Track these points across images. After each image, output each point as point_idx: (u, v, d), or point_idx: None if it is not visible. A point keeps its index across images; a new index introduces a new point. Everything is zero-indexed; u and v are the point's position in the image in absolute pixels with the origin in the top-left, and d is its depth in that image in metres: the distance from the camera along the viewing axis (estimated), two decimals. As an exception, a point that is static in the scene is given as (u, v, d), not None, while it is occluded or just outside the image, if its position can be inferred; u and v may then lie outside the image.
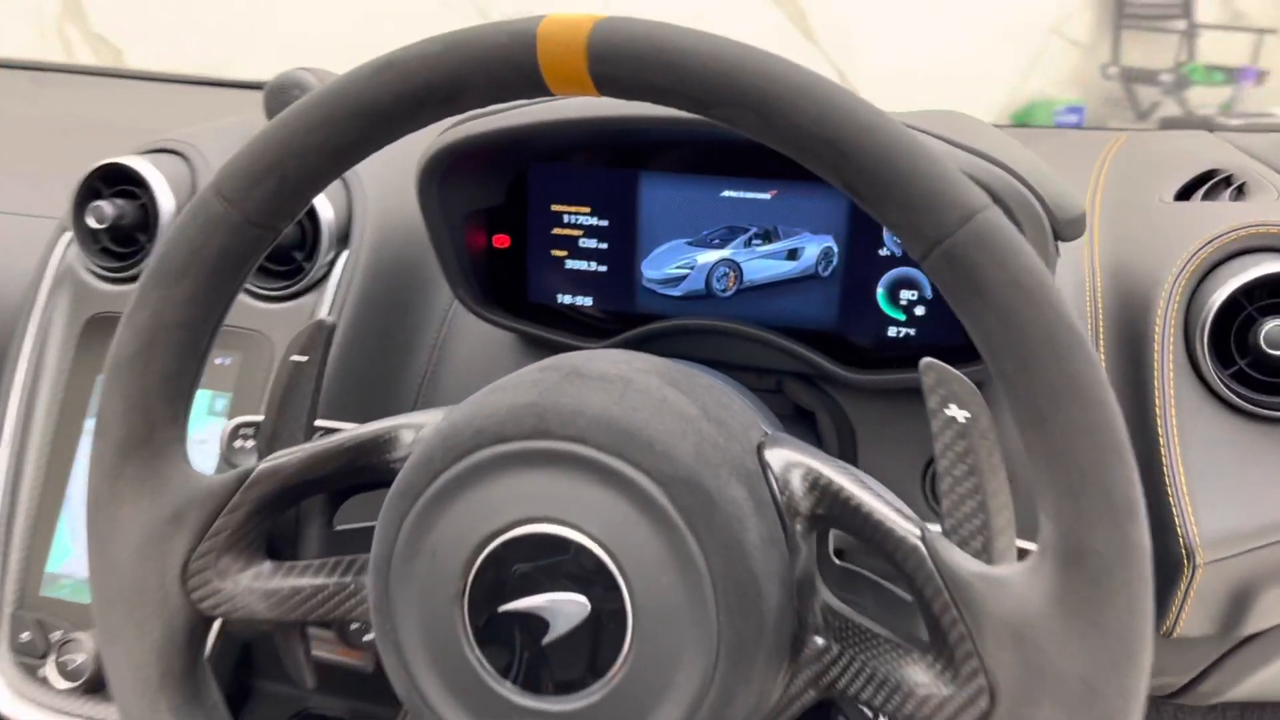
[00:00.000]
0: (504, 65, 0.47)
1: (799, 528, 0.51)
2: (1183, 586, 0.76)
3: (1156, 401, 0.81)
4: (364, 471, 0.59)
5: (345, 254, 0.98)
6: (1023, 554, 0.48)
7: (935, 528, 0.49)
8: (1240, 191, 0.96)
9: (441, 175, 0.83)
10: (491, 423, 0.51)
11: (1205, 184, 0.97)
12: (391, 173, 1.03)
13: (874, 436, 0.89)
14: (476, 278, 0.93)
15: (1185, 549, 0.74)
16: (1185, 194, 0.96)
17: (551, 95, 0.48)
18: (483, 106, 0.50)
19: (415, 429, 0.59)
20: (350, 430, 0.59)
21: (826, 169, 0.47)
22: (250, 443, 0.73)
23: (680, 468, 0.48)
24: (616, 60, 0.45)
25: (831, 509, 0.51)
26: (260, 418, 0.66)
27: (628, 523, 0.47)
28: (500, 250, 0.96)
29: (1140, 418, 0.82)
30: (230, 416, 0.93)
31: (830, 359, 0.85)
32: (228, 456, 0.73)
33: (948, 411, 0.50)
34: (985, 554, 0.47)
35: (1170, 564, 0.76)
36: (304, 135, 0.50)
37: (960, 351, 0.86)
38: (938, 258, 0.43)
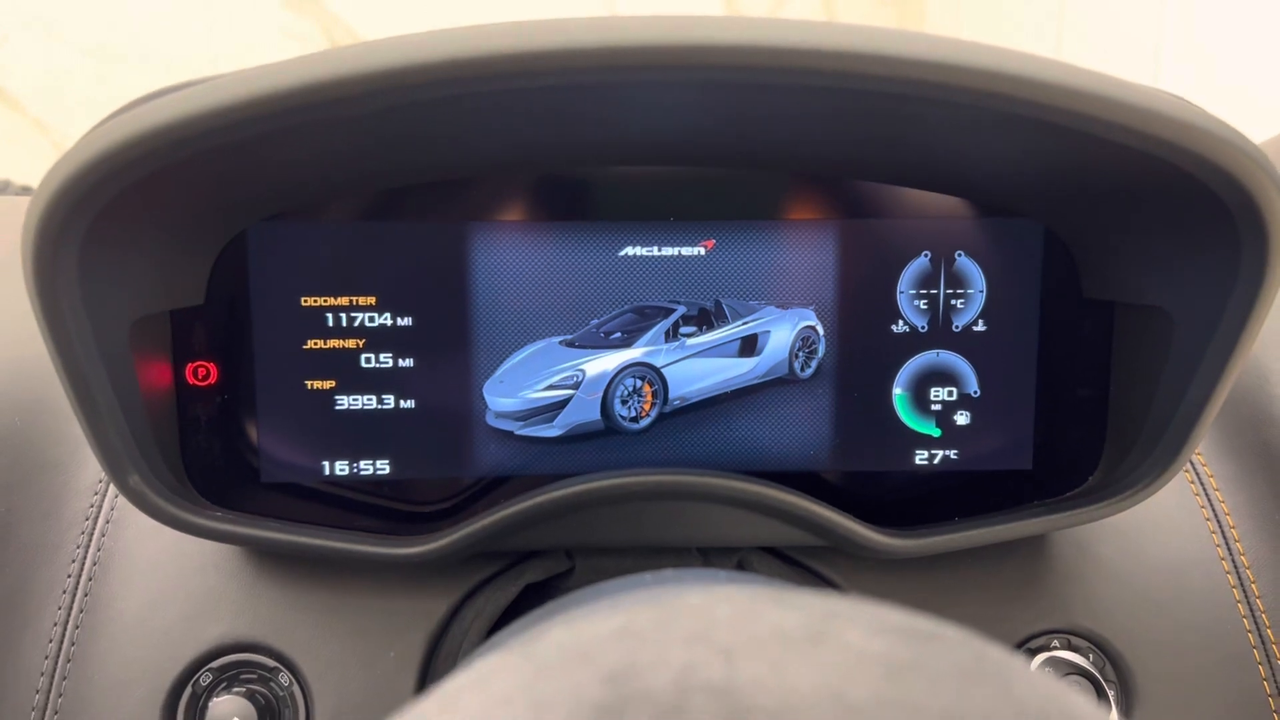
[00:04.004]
0: None
1: None
2: None
3: None
4: None
5: None
6: None
7: None
8: None
9: (81, 244, 0.38)
10: None
11: None
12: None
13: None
14: (158, 447, 0.47)
15: None
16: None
17: None
18: None
19: None
20: None
21: None
22: None
23: None
24: None
25: None
26: None
27: None
28: (201, 390, 0.50)
29: None
30: None
31: (837, 512, 0.49)
32: None
33: None
34: None
35: None
36: None
37: (1030, 481, 0.53)
38: None
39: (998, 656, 0.23)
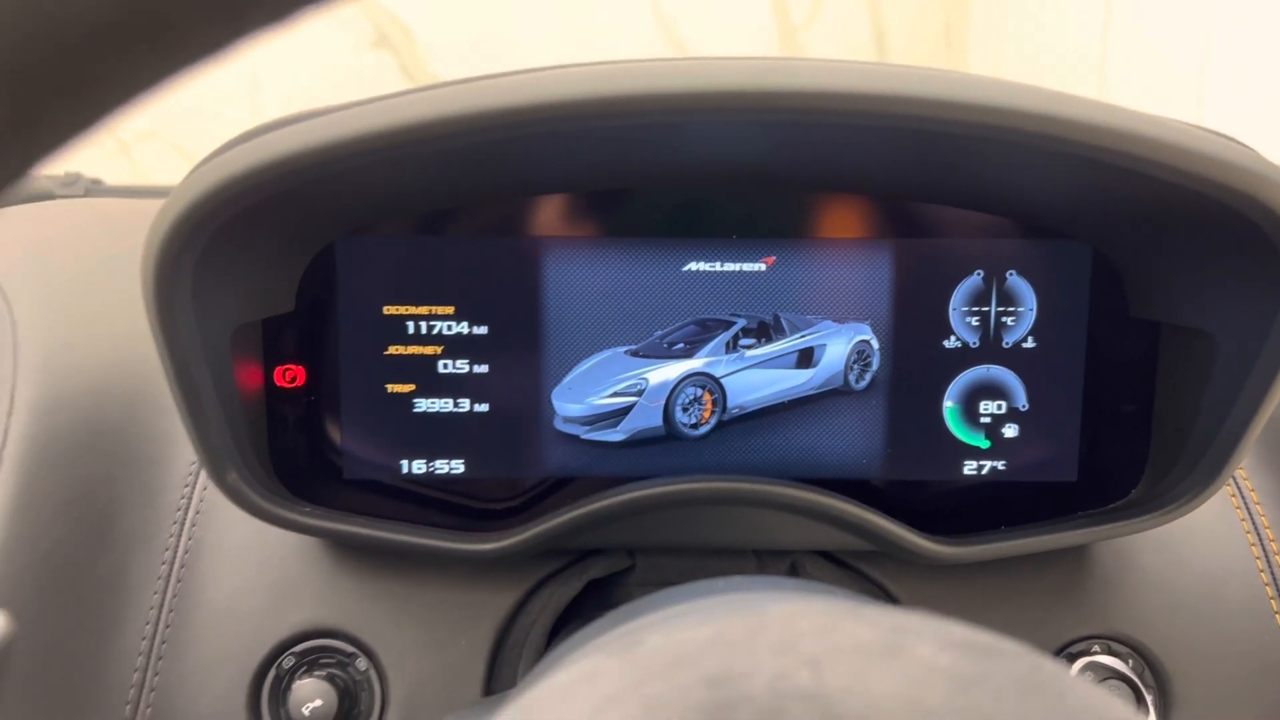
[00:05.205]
0: None
1: None
2: None
3: None
4: None
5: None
6: None
7: None
8: None
9: (196, 260, 0.41)
10: None
11: None
12: (67, 289, 0.59)
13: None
14: (252, 444, 0.51)
15: None
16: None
17: None
18: None
19: None
20: None
21: None
22: None
23: None
24: None
25: None
26: None
27: None
28: (289, 392, 0.54)
29: None
30: None
31: (889, 520, 0.51)
32: None
33: None
34: None
35: None
36: None
37: (1075, 492, 0.55)
38: None
39: (1051, 669, 0.25)
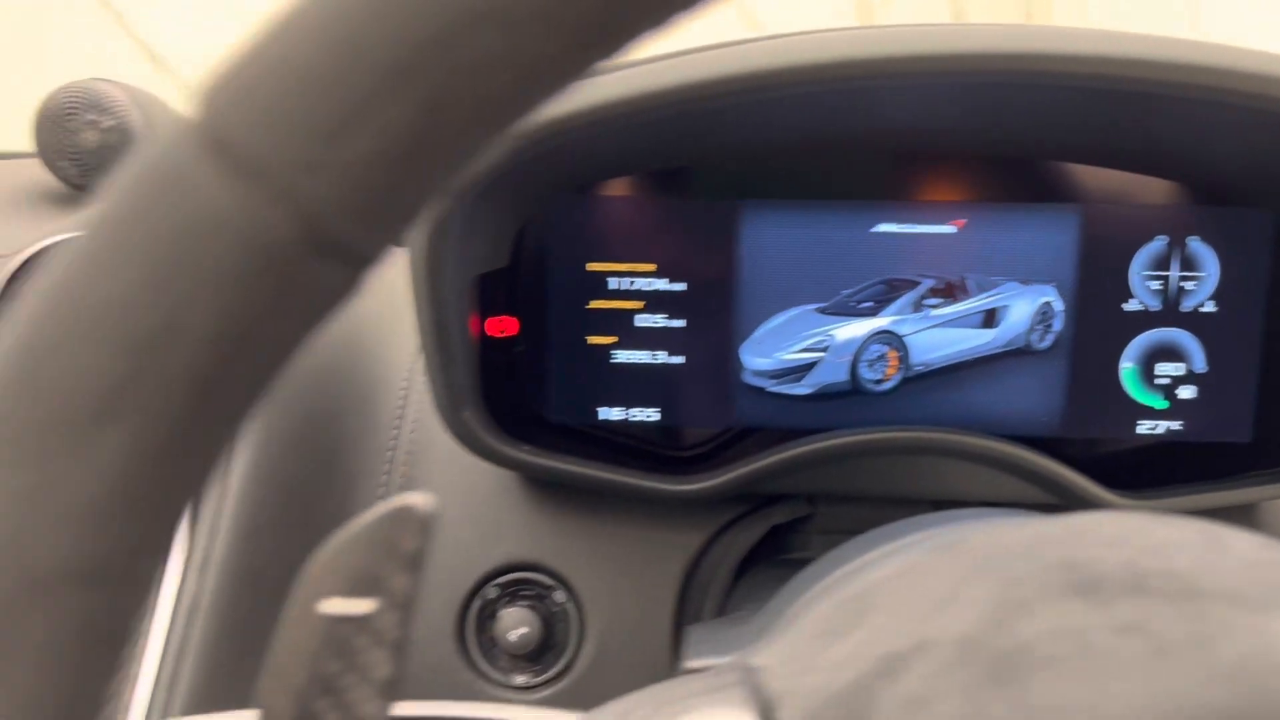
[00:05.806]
0: None
1: None
2: None
3: None
4: None
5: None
6: None
7: None
8: None
9: (464, 210, 0.45)
10: None
11: None
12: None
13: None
14: (474, 386, 0.55)
15: None
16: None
17: None
18: None
19: None
20: None
21: None
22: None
23: None
24: None
25: None
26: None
27: None
28: (500, 341, 0.57)
29: None
30: None
31: (1078, 473, 0.54)
32: None
33: None
34: None
35: None
36: None
37: (1249, 452, 0.57)
38: None
39: None
